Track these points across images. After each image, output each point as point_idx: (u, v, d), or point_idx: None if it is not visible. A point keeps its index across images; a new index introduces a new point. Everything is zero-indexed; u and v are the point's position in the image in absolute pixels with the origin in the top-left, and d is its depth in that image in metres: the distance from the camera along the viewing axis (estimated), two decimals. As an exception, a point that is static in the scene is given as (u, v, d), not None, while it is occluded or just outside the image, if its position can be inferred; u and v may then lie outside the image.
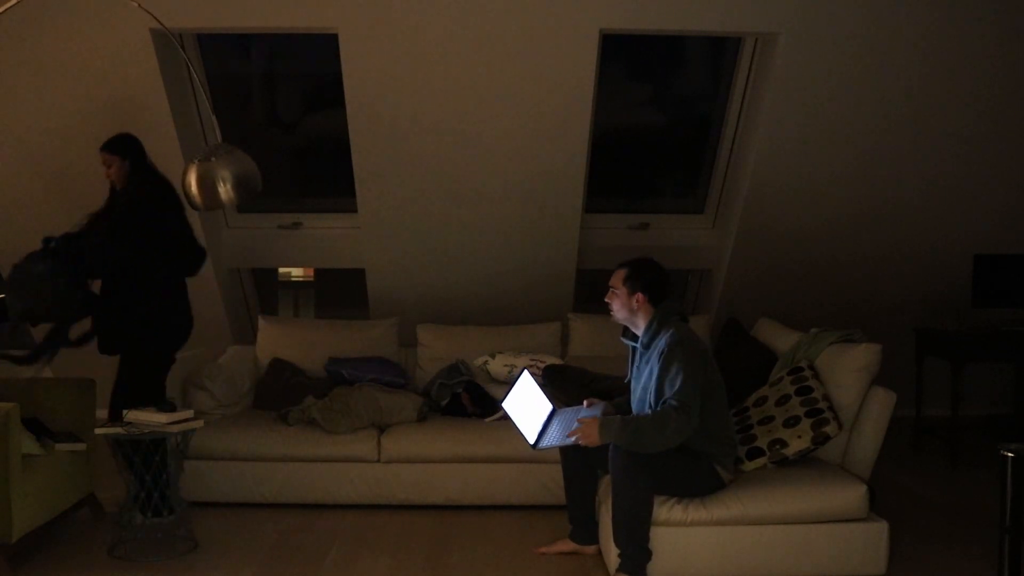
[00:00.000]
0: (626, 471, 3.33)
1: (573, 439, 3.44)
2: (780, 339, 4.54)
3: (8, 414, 3.45)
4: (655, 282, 3.56)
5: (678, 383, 3.33)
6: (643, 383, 3.54)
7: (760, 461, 3.66)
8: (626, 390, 3.76)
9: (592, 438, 3.38)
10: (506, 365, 4.87)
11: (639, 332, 3.59)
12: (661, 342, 3.45)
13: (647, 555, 3.38)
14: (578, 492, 3.78)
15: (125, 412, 3.79)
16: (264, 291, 6.15)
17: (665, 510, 3.40)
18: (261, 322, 5.23)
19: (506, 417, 4.64)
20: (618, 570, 3.40)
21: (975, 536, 3.98)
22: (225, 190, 3.85)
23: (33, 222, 5.21)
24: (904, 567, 3.62)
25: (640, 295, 3.53)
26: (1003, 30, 4.63)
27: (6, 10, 3.66)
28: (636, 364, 3.63)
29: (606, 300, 3.63)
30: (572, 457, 3.74)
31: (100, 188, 5.06)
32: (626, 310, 3.57)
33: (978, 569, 3.61)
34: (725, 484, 3.49)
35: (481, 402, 4.75)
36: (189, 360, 4.74)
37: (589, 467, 3.71)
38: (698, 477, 3.46)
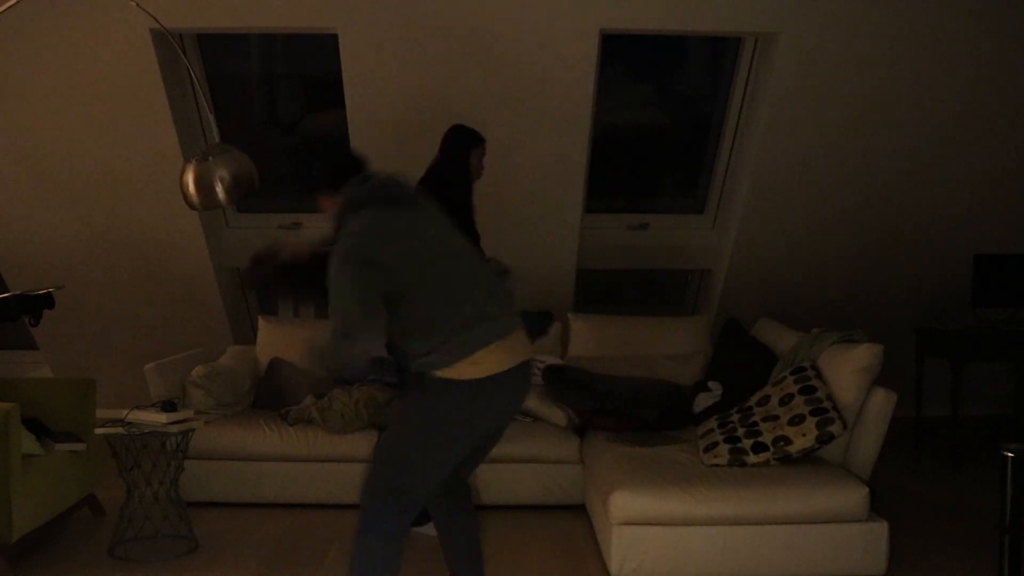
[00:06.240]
0: (376, 511, 2.69)
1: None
2: (780, 339, 4.54)
3: (8, 414, 3.45)
4: (335, 168, 2.84)
5: (334, 304, 2.63)
6: None
7: (764, 456, 3.66)
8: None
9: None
10: (506, 365, 4.85)
11: None
12: None
13: None
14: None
15: (126, 412, 3.79)
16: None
17: (665, 506, 3.41)
18: (261, 322, 5.23)
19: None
20: None
21: (975, 536, 3.98)
22: (222, 189, 3.86)
23: (33, 222, 5.23)
24: (904, 567, 3.62)
25: (337, 195, 2.79)
26: (1005, 30, 4.63)
27: (6, 10, 3.66)
28: None
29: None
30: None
31: (100, 188, 5.08)
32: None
33: (978, 569, 3.62)
34: (459, 385, 2.63)
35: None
36: (189, 360, 4.75)
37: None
38: (431, 411, 2.68)
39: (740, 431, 3.81)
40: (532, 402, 4.65)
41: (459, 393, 2.64)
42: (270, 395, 4.81)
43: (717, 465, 3.68)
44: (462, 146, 4.12)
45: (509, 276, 4.14)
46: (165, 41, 4.51)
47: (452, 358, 2.63)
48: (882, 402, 3.71)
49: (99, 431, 3.77)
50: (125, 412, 3.80)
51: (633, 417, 4.46)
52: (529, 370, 2.79)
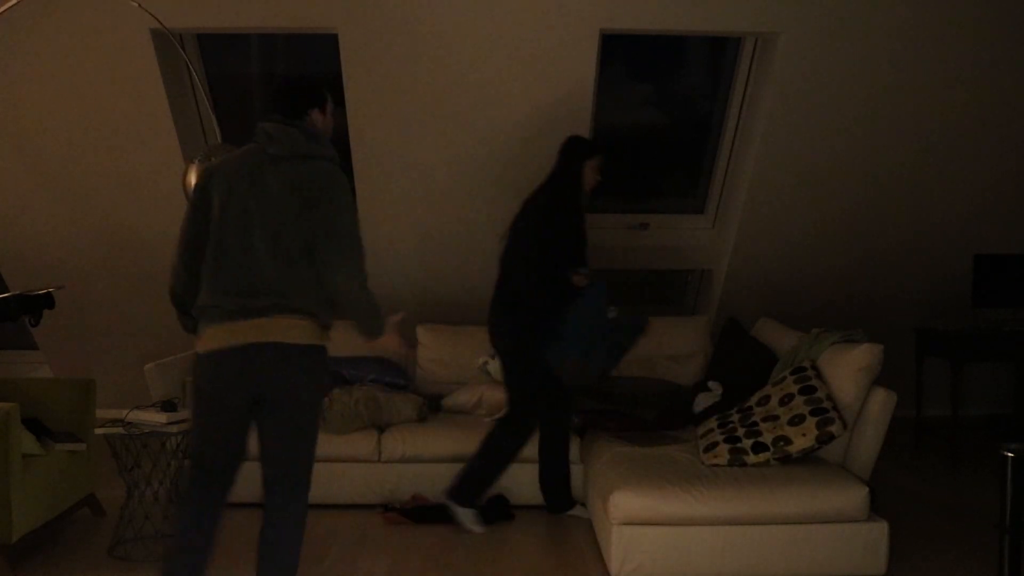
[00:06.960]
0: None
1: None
2: (780, 339, 4.54)
3: (8, 414, 3.45)
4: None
5: None
6: None
7: (764, 456, 3.66)
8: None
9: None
10: (506, 365, 4.84)
11: None
12: None
13: None
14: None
15: (126, 412, 3.79)
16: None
17: (665, 506, 3.41)
18: (261, 322, 5.22)
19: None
20: None
21: (975, 536, 3.98)
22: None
23: (33, 222, 5.23)
24: (904, 567, 3.62)
25: None
26: (1005, 31, 4.63)
27: (6, 10, 3.66)
28: None
29: None
30: None
31: (100, 188, 5.07)
32: None
33: (978, 569, 3.62)
34: (197, 357, 2.92)
35: None
36: (189, 360, 4.74)
37: None
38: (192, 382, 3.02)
39: (740, 431, 3.81)
40: (532, 402, 4.65)
41: (196, 364, 2.91)
42: (270, 395, 4.80)
43: (717, 465, 3.68)
44: (575, 157, 4.05)
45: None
46: (165, 41, 4.51)
47: (200, 328, 2.90)
48: (882, 402, 3.71)
49: (99, 431, 3.77)
50: (125, 412, 3.80)
51: (633, 417, 4.46)
52: (261, 352, 2.86)
